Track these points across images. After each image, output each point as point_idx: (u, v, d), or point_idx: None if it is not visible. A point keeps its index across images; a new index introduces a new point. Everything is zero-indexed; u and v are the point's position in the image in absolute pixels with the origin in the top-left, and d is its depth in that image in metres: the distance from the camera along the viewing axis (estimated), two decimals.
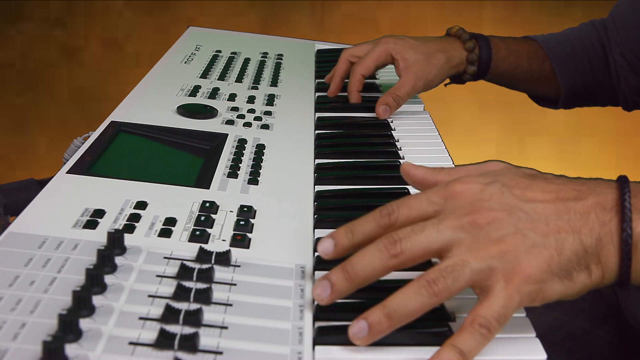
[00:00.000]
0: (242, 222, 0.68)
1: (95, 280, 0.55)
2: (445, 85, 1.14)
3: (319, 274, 0.63)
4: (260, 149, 0.86)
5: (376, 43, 1.06)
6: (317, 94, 1.12)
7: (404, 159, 0.89)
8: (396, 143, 0.94)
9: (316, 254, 0.66)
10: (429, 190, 0.57)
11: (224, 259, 0.61)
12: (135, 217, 0.66)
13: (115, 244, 0.60)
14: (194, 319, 0.53)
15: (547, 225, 0.53)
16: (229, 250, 0.61)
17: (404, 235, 0.54)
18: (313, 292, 0.56)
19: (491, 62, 1.09)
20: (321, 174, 0.83)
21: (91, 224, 0.64)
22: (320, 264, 0.64)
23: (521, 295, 0.52)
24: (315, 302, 0.59)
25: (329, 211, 0.75)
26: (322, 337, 0.55)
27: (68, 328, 0.49)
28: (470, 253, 0.52)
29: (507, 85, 1.17)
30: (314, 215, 0.73)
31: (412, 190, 0.80)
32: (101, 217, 0.66)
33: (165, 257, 0.61)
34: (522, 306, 0.53)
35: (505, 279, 0.51)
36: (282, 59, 1.27)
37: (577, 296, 0.54)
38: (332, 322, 0.57)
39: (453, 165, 0.88)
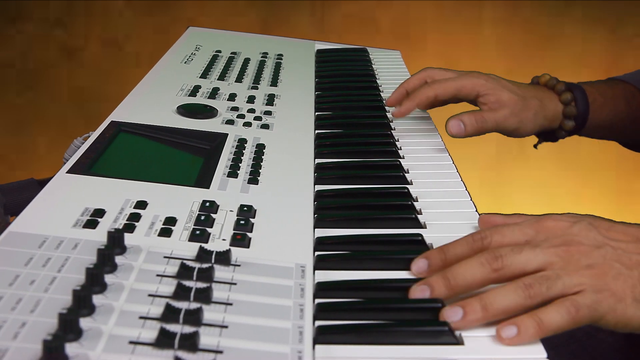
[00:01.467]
0: (242, 222, 0.68)
1: (95, 279, 0.55)
2: (535, 146, 1.04)
3: (319, 273, 0.63)
4: (260, 148, 0.86)
5: (463, 73, 0.98)
6: (317, 94, 1.12)
7: (403, 158, 0.89)
8: (396, 143, 0.94)
9: (316, 253, 0.66)
10: (521, 223, 0.63)
11: (224, 258, 0.61)
12: (135, 217, 0.67)
13: (115, 243, 0.60)
14: (194, 318, 0.53)
15: (630, 259, 0.59)
16: (229, 249, 0.61)
17: (505, 253, 0.59)
18: (411, 293, 0.60)
19: (589, 114, 0.99)
20: (321, 174, 0.83)
21: (91, 224, 0.64)
22: (321, 263, 0.65)
23: (608, 304, 0.57)
24: (316, 302, 0.59)
25: (329, 210, 0.75)
26: (322, 336, 0.55)
27: (68, 327, 0.49)
28: (563, 271, 0.58)
29: (603, 136, 1.07)
30: (314, 214, 0.73)
31: (412, 189, 0.80)
32: (101, 217, 0.66)
33: (165, 257, 0.61)
34: (603, 316, 0.57)
35: (596, 291, 0.57)
36: (282, 59, 1.27)
37: None
38: (332, 321, 0.57)
39: (453, 166, 0.88)
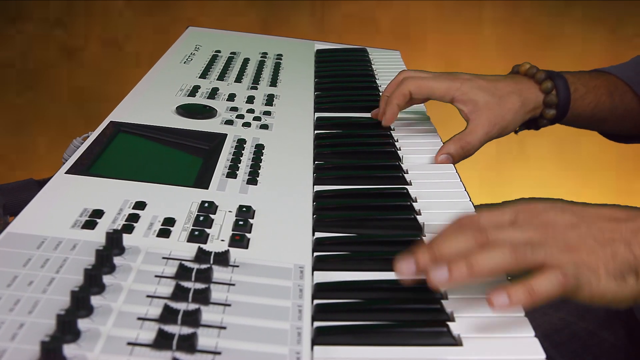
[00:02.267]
0: (241, 222, 0.67)
1: (93, 280, 0.55)
2: (516, 132, 1.03)
3: (318, 274, 0.63)
4: (259, 149, 0.86)
5: (437, 75, 0.96)
6: (317, 94, 1.12)
7: (403, 159, 0.89)
8: (396, 143, 0.93)
9: (315, 254, 0.66)
10: (500, 209, 0.64)
11: (222, 259, 0.61)
12: (134, 218, 0.66)
13: (113, 244, 0.60)
14: (192, 319, 0.53)
15: (603, 236, 0.60)
16: (228, 250, 0.61)
17: (490, 229, 0.61)
18: (396, 265, 0.60)
19: (570, 102, 0.99)
20: (320, 174, 0.83)
21: (90, 224, 0.64)
22: (320, 264, 0.65)
23: (586, 277, 0.58)
24: (315, 302, 0.59)
25: (328, 211, 0.75)
26: (320, 337, 0.55)
27: (66, 328, 0.49)
28: (541, 244, 0.59)
29: (585, 126, 1.07)
30: (313, 215, 0.73)
31: (411, 190, 0.80)
32: (100, 217, 0.66)
33: (163, 258, 0.61)
34: (581, 288, 0.58)
35: (575, 266, 0.58)
36: (281, 59, 1.27)
37: (627, 301, 0.60)
38: (330, 322, 0.57)
39: (453, 166, 0.88)
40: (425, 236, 0.71)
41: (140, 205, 0.69)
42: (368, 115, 1.03)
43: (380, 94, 1.12)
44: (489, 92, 0.94)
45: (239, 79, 1.13)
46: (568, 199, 0.68)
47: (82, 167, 0.76)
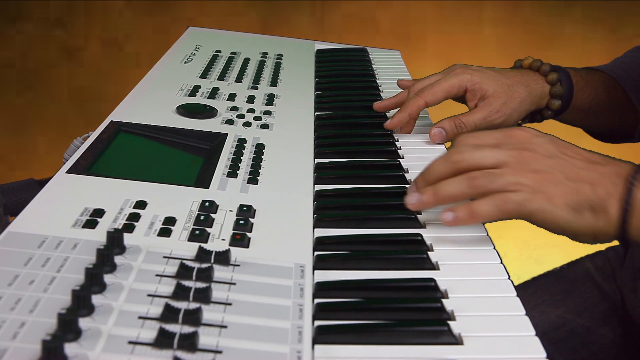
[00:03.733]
0: (241, 222, 0.68)
1: (94, 279, 0.55)
2: (520, 124, 1.04)
3: (318, 273, 0.63)
4: (259, 148, 0.86)
5: (448, 73, 0.98)
6: (317, 94, 1.12)
7: (403, 158, 0.89)
8: (396, 142, 0.94)
9: (316, 253, 0.66)
10: (499, 129, 0.72)
11: (223, 258, 0.61)
12: (134, 217, 0.66)
13: (114, 243, 0.60)
14: (193, 318, 0.53)
15: (572, 172, 0.66)
16: (229, 249, 0.61)
17: (465, 150, 0.69)
18: (406, 198, 0.72)
19: (573, 94, 1.01)
20: (321, 174, 0.83)
21: (91, 224, 0.64)
22: (320, 263, 0.65)
23: (538, 204, 0.64)
24: (316, 302, 0.59)
25: (329, 210, 0.75)
26: (321, 336, 0.55)
27: (67, 327, 0.49)
28: (509, 170, 0.67)
29: (581, 120, 1.09)
30: (314, 214, 0.73)
31: None
32: (101, 217, 0.66)
33: (164, 257, 0.61)
34: (533, 214, 0.65)
35: (531, 191, 0.65)
36: (281, 59, 1.27)
37: (582, 235, 0.65)
38: (331, 321, 0.57)
39: None
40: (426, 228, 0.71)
41: (141, 204, 0.69)
42: (368, 114, 1.03)
43: (381, 93, 1.13)
44: (498, 82, 0.96)
45: (239, 79, 1.13)
46: None
47: (82, 167, 0.76)
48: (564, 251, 1.29)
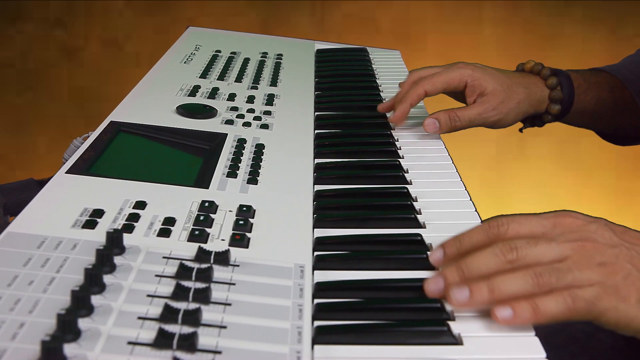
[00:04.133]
0: (241, 222, 0.67)
1: (94, 280, 0.55)
2: (521, 130, 1.05)
3: (318, 273, 0.63)
4: (259, 148, 0.86)
5: (449, 66, 0.98)
6: (317, 94, 1.12)
7: (403, 158, 0.89)
8: (396, 143, 0.93)
9: (315, 253, 0.66)
10: (540, 215, 0.63)
11: (223, 258, 0.61)
12: (134, 217, 0.66)
13: (114, 243, 0.60)
14: (192, 318, 0.53)
15: None
16: (228, 249, 0.61)
17: (521, 245, 0.59)
18: (426, 286, 0.60)
19: (574, 98, 1.00)
20: (321, 174, 0.83)
21: (90, 224, 0.64)
22: (320, 263, 0.65)
23: (610, 302, 0.57)
24: (315, 302, 0.59)
25: (329, 210, 0.75)
26: (321, 336, 0.55)
27: (67, 328, 0.49)
28: (575, 265, 0.58)
29: (585, 123, 1.08)
30: (314, 214, 0.73)
31: (412, 189, 0.80)
32: (100, 217, 0.66)
33: (164, 257, 0.61)
34: (603, 313, 0.57)
35: (602, 288, 0.57)
36: (281, 59, 1.27)
37: None
38: (331, 321, 0.57)
39: (453, 166, 0.88)
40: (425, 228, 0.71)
41: (141, 204, 0.69)
42: (368, 114, 1.03)
43: (381, 93, 1.13)
44: (498, 81, 0.96)
45: (239, 79, 1.13)
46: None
47: (82, 167, 0.76)
48: None
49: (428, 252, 0.66)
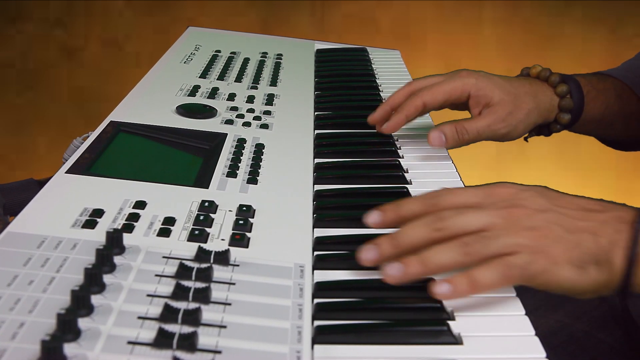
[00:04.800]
0: (241, 222, 0.67)
1: (94, 279, 0.55)
2: (526, 139, 1.00)
3: (318, 273, 0.63)
4: (259, 148, 0.86)
5: (451, 75, 0.91)
6: (317, 94, 1.12)
7: (403, 158, 0.89)
8: (396, 143, 0.93)
9: (315, 253, 0.66)
10: (476, 187, 0.65)
11: (222, 258, 0.61)
12: (134, 217, 0.66)
13: (114, 243, 0.60)
14: (192, 318, 0.53)
15: (571, 224, 0.60)
16: (228, 249, 0.61)
17: (448, 215, 0.61)
18: (360, 254, 0.62)
19: (584, 106, 0.95)
20: (320, 173, 0.83)
21: (90, 224, 0.64)
22: (320, 263, 0.65)
23: (541, 266, 0.58)
24: (315, 301, 0.59)
25: (328, 210, 0.75)
26: (321, 336, 0.55)
27: (67, 327, 0.49)
28: (503, 231, 0.59)
29: (592, 130, 1.03)
30: (313, 214, 0.73)
31: (412, 189, 0.80)
32: (100, 217, 0.66)
33: (164, 257, 0.61)
34: (535, 277, 0.58)
35: (532, 252, 0.58)
36: (281, 59, 1.27)
37: (586, 292, 0.60)
38: (331, 321, 0.57)
39: (453, 166, 0.88)
40: None
41: (141, 204, 0.69)
42: (368, 114, 1.03)
43: (381, 93, 1.13)
44: (504, 90, 0.90)
45: (239, 79, 1.13)
46: None
47: (82, 167, 0.76)
48: None
49: None
